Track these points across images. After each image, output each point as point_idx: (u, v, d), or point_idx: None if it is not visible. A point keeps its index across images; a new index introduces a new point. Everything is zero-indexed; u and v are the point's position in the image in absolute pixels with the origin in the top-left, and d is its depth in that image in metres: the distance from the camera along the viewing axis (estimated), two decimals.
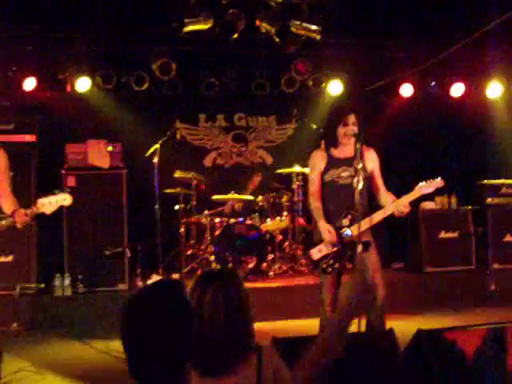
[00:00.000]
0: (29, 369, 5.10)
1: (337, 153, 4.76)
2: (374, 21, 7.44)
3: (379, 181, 4.84)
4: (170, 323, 1.84)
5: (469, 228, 7.89)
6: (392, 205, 4.63)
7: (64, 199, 4.48)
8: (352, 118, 4.65)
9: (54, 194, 4.45)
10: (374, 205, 4.86)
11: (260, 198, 8.06)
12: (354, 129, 4.62)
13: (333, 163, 4.73)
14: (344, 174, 4.70)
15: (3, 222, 4.33)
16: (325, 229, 4.58)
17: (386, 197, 4.77)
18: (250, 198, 8.08)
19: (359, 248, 4.49)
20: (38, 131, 7.32)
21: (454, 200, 8.04)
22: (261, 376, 2.53)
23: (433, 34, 7.70)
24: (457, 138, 9.30)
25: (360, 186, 4.54)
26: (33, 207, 4.36)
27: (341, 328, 2.71)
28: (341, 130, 4.68)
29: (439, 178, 4.73)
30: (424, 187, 4.67)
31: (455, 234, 7.85)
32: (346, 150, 4.74)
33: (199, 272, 7.41)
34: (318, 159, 4.77)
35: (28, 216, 4.33)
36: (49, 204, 4.40)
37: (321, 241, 4.65)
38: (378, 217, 4.61)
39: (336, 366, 3.53)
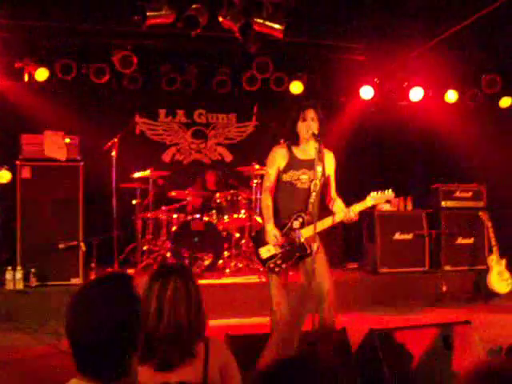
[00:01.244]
0: None
1: (298, 153, 4.73)
2: (337, 22, 7.49)
3: (332, 185, 4.86)
4: (116, 316, 1.81)
5: (423, 230, 8.03)
6: (341, 213, 4.66)
7: (1, 177, 4.38)
8: (311, 113, 4.64)
9: None
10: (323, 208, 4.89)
11: (218, 195, 8.06)
12: (313, 125, 4.61)
13: (294, 163, 4.71)
14: (303, 177, 4.68)
15: None
16: (272, 233, 4.58)
17: (336, 202, 4.80)
18: (207, 194, 8.07)
19: (313, 249, 4.53)
20: None
21: (409, 202, 8.18)
22: (207, 369, 2.56)
23: (394, 38, 7.79)
24: (414, 141, 9.45)
25: (317, 190, 4.58)
26: None
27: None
28: (300, 126, 4.67)
29: (390, 191, 4.73)
30: (375, 198, 4.70)
31: (409, 236, 8.00)
32: (307, 150, 4.72)
33: (155, 266, 7.38)
34: (279, 156, 4.73)
35: None
36: None
37: None
38: (326, 223, 4.64)
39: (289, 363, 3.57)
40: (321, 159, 4.59)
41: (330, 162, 4.78)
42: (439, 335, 3.75)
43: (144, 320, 2.20)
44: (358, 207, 4.65)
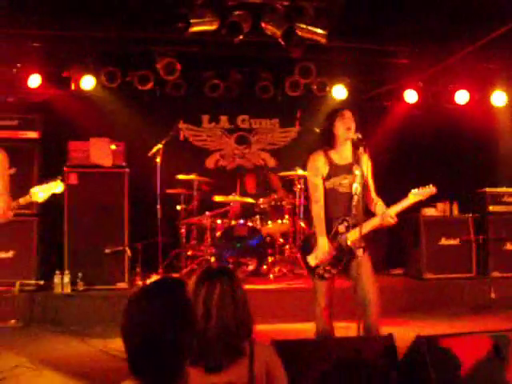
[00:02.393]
0: (26, 365, 5.09)
1: (336, 158, 4.71)
2: (380, 26, 7.42)
3: (371, 187, 4.83)
4: (170, 321, 1.86)
5: (469, 235, 7.88)
6: (379, 216, 4.62)
7: (56, 186, 4.49)
8: (348, 113, 4.65)
9: (46, 182, 4.48)
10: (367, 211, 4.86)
11: (261, 200, 8.06)
12: (352, 124, 4.60)
13: (334, 170, 4.69)
14: (344, 182, 4.67)
15: None
16: (324, 246, 4.56)
17: (377, 204, 4.76)
18: (251, 200, 8.09)
19: (359, 252, 4.51)
20: (42, 128, 7.33)
21: (455, 207, 8.04)
22: (253, 370, 2.57)
23: (438, 40, 7.69)
24: (460, 145, 9.29)
25: (359, 192, 4.56)
26: (25, 197, 4.40)
27: None
28: (338, 124, 4.64)
29: (431, 186, 4.68)
30: (416, 195, 4.64)
31: (456, 241, 7.85)
32: (343, 154, 4.71)
33: (201, 269, 7.41)
34: (321, 164, 4.70)
35: (12, 209, 4.37)
36: (40, 192, 4.42)
37: None
38: (368, 226, 4.61)
39: (334, 370, 3.54)
40: (358, 162, 4.59)
41: (365, 164, 4.75)
42: (491, 343, 3.65)
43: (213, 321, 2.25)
44: (397, 207, 4.61)
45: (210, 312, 2.57)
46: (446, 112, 9.06)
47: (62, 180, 4.56)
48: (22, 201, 4.41)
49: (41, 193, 4.44)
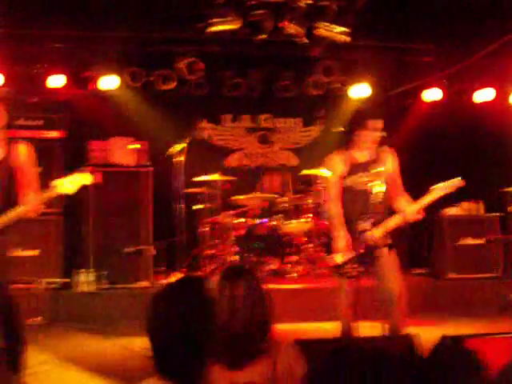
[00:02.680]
0: (53, 361, 5.16)
1: (357, 156, 4.71)
2: (401, 24, 7.38)
3: (397, 183, 4.80)
4: (194, 319, 1.88)
5: (496, 235, 7.77)
6: (405, 212, 4.60)
7: (84, 178, 4.48)
8: (379, 124, 4.62)
9: (72, 173, 4.48)
10: (392, 208, 4.82)
11: (284, 199, 8.06)
12: (380, 134, 4.59)
13: (354, 168, 4.69)
14: (364, 179, 4.66)
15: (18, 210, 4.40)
16: (343, 239, 4.56)
17: (403, 200, 4.74)
18: (273, 196, 8.08)
19: (384, 250, 4.49)
20: (65, 128, 7.40)
21: (480, 206, 7.95)
22: (275, 370, 2.58)
23: (461, 38, 7.62)
24: (484, 143, 9.18)
25: (379, 190, 4.54)
26: (49, 190, 4.41)
27: None
28: (367, 134, 4.63)
29: (458, 178, 4.61)
30: (440, 189, 4.59)
31: (481, 241, 7.76)
32: (366, 153, 4.71)
33: (224, 268, 7.44)
34: (339, 162, 4.72)
35: (40, 201, 4.40)
36: (66, 184, 4.40)
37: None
38: (392, 223, 4.58)
39: (354, 370, 3.52)
40: (379, 160, 4.56)
41: (390, 161, 4.73)
42: None
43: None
44: (423, 201, 4.57)
45: (235, 310, 2.59)
46: (469, 110, 8.96)
47: (90, 170, 4.56)
48: (47, 193, 4.42)
49: (69, 184, 4.41)
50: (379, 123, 4.61)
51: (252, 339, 2.60)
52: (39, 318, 6.48)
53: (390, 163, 4.72)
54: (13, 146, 4.54)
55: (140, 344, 5.57)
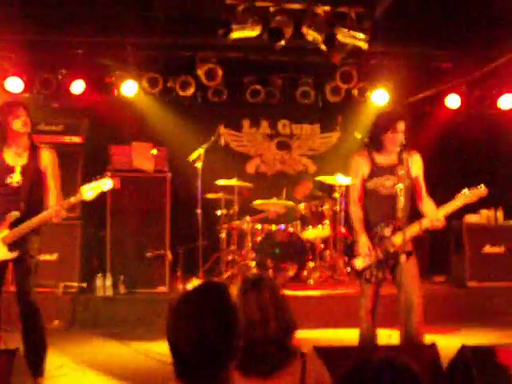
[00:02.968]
0: (71, 365, 5.19)
1: (381, 159, 4.67)
2: (421, 30, 7.34)
3: (422, 187, 4.76)
4: (216, 325, 1.87)
5: None
6: (426, 219, 4.55)
7: (104, 184, 4.56)
8: (402, 125, 4.57)
9: (95, 179, 4.54)
10: (415, 213, 4.78)
11: (302, 205, 8.05)
12: (403, 137, 4.54)
13: (377, 171, 4.65)
14: (387, 183, 4.62)
15: (41, 215, 4.46)
16: (365, 244, 4.53)
17: (427, 205, 4.70)
18: (291, 203, 8.08)
19: (402, 258, 4.45)
20: (85, 133, 7.45)
21: (500, 214, 7.87)
22: (304, 382, 2.56)
23: (482, 43, 7.56)
24: (504, 150, 9.10)
25: (403, 194, 4.50)
26: (76, 195, 4.48)
27: None
28: (389, 136, 4.58)
29: (482, 186, 4.56)
30: (465, 196, 4.54)
31: (501, 249, 7.68)
32: (390, 156, 4.67)
33: (239, 276, 7.45)
34: (362, 165, 4.68)
35: (63, 206, 4.44)
36: (89, 190, 4.49)
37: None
38: (413, 229, 4.54)
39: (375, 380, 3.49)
40: (404, 163, 4.51)
41: (416, 164, 4.69)
42: None
43: (245, 329, 2.25)
44: (447, 208, 4.53)
45: (258, 319, 2.58)
46: (489, 117, 8.89)
47: (110, 177, 4.62)
48: (73, 199, 4.49)
49: (90, 191, 4.50)
50: (402, 124, 4.57)
51: (277, 349, 2.59)
52: (56, 322, 6.52)
53: (415, 167, 4.67)
54: (36, 151, 4.61)
55: (157, 349, 5.60)
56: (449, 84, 8.48)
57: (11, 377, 3.53)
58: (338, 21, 6.58)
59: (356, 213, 4.66)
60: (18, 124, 4.52)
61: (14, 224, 4.45)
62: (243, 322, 1.96)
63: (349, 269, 4.81)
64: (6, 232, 4.44)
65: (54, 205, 4.51)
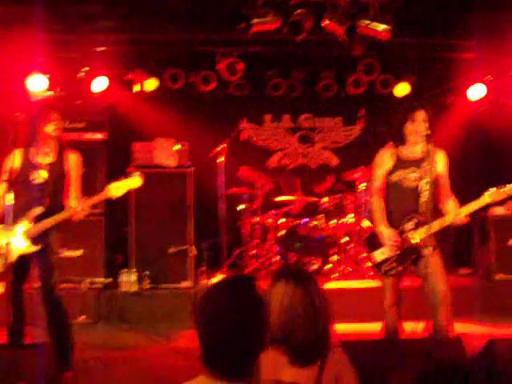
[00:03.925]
0: (97, 359, 5.23)
1: (405, 152, 4.65)
2: (444, 20, 7.26)
3: (446, 185, 4.70)
4: (243, 318, 1.88)
5: None
6: (452, 215, 4.50)
7: (134, 183, 4.63)
8: (421, 115, 4.52)
9: (124, 177, 4.62)
10: (438, 209, 4.74)
11: (325, 199, 8.02)
12: (424, 126, 4.49)
13: (401, 163, 4.63)
14: (411, 176, 4.58)
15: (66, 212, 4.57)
16: (388, 235, 4.50)
17: (448, 202, 4.64)
18: (314, 198, 8.06)
19: (428, 250, 4.42)
20: (108, 130, 7.50)
21: None
22: (322, 374, 2.55)
23: (506, 32, 7.45)
24: None
25: (427, 189, 4.45)
26: (100, 194, 4.57)
27: None
28: (409, 127, 4.56)
29: (510, 186, 4.44)
30: (493, 194, 4.46)
31: None
32: (415, 150, 4.63)
33: (263, 271, 7.47)
34: (387, 157, 4.67)
35: (85, 204, 4.54)
36: (116, 189, 4.56)
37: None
38: (436, 225, 4.49)
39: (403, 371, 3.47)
40: (429, 158, 4.47)
41: (440, 160, 4.64)
42: None
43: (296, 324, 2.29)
44: (472, 206, 4.47)
45: (295, 316, 2.55)
46: None
47: (140, 175, 4.68)
48: (96, 198, 4.59)
49: (119, 189, 4.58)
50: (422, 114, 4.52)
51: (314, 347, 2.57)
52: (82, 318, 6.58)
53: (440, 163, 4.63)
54: (63, 153, 4.74)
55: (182, 344, 5.62)
56: (472, 75, 8.37)
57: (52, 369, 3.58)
58: (360, 12, 6.54)
59: (376, 203, 4.64)
60: (51, 128, 4.68)
61: (38, 219, 4.55)
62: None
63: (370, 261, 4.74)
64: (29, 226, 4.54)
65: (78, 203, 4.59)
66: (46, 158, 4.72)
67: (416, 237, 4.49)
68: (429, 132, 4.46)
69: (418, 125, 4.51)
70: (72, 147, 4.90)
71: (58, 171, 4.69)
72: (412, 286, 4.88)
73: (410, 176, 4.58)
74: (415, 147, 4.61)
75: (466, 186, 6.81)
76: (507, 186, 4.45)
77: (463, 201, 4.60)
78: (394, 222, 4.58)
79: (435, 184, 4.55)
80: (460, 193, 4.73)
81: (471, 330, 6.01)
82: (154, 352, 5.68)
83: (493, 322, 6.51)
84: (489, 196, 4.45)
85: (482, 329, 6.25)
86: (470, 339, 4.20)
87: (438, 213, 4.66)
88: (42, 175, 4.64)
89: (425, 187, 4.49)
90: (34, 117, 4.69)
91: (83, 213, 4.60)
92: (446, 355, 4.10)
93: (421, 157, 4.56)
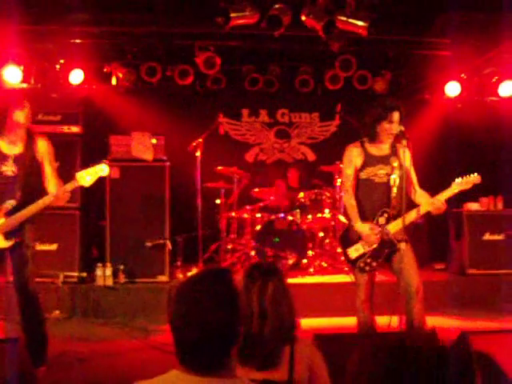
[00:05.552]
0: (71, 354, 5.19)
1: (374, 149, 4.71)
2: (420, 17, 7.31)
3: (413, 179, 4.79)
4: (218, 310, 1.86)
5: None
6: (428, 204, 4.57)
7: (102, 170, 4.58)
8: (397, 116, 4.59)
9: (91, 166, 4.57)
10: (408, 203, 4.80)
11: (301, 194, 8.05)
12: (398, 127, 4.57)
13: (370, 160, 4.69)
14: (380, 172, 4.66)
15: (41, 201, 4.50)
16: (364, 229, 4.55)
17: (420, 194, 4.73)
18: (290, 192, 8.09)
19: (402, 245, 4.48)
20: (84, 123, 7.43)
21: (499, 201, 7.88)
22: (293, 367, 2.56)
23: (481, 30, 7.52)
24: (504, 138, 9.08)
25: (397, 184, 4.54)
26: (71, 182, 4.51)
27: None
28: (384, 127, 4.61)
29: (476, 174, 4.62)
30: (459, 184, 4.60)
31: (500, 237, 7.68)
32: (383, 146, 4.70)
33: (239, 265, 7.47)
34: (355, 155, 4.72)
35: (67, 191, 4.50)
36: (87, 176, 4.51)
37: (358, 239, 4.63)
38: (411, 216, 4.57)
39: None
40: (396, 154, 4.61)
41: (407, 155, 4.71)
42: None
43: (246, 321, 2.24)
44: (443, 195, 4.58)
45: (266, 310, 2.56)
46: (489, 105, 8.86)
47: (107, 163, 4.64)
48: (68, 187, 4.52)
49: (88, 176, 4.53)
50: (397, 115, 4.59)
51: (284, 339, 2.58)
52: (57, 312, 6.53)
53: (406, 157, 4.70)
54: (32, 141, 4.62)
55: (157, 338, 5.61)
56: (448, 72, 8.45)
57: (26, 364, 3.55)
58: (337, 8, 6.55)
59: (349, 201, 4.69)
60: (20, 116, 4.53)
61: (10, 212, 4.48)
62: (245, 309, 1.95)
63: (344, 258, 4.79)
64: (2, 220, 4.47)
65: (52, 192, 4.53)
66: (13, 148, 4.57)
67: (390, 230, 4.56)
68: (401, 129, 4.54)
69: (393, 125, 4.58)
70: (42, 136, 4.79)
71: (28, 161, 4.56)
72: (384, 281, 4.92)
73: (379, 172, 4.66)
74: (384, 145, 4.69)
75: (442, 179, 6.89)
76: (471, 175, 4.59)
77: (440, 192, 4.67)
78: (367, 217, 4.63)
79: (404, 179, 4.62)
80: (437, 186, 4.79)
81: (444, 324, 6.08)
82: (130, 346, 5.65)
83: (465, 316, 6.61)
84: (456, 185, 4.58)
85: (454, 322, 6.33)
86: (442, 332, 4.26)
87: (412, 206, 4.72)
88: (9, 168, 4.53)
89: (394, 183, 4.57)
90: (5, 105, 4.53)
91: (64, 198, 4.54)
92: (419, 349, 4.15)
93: (388, 153, 4.66)
